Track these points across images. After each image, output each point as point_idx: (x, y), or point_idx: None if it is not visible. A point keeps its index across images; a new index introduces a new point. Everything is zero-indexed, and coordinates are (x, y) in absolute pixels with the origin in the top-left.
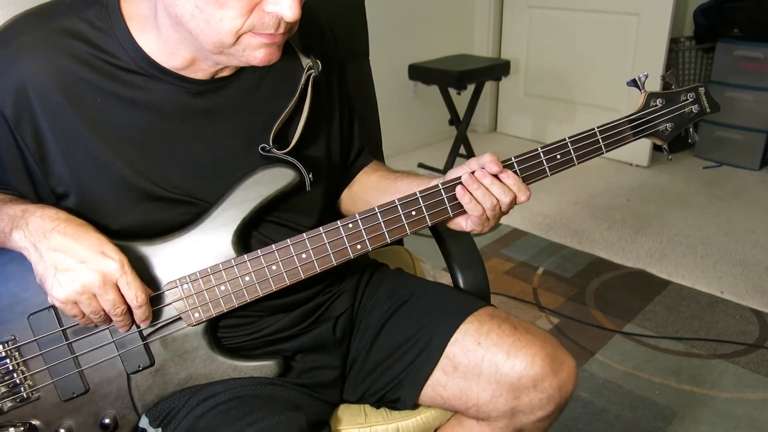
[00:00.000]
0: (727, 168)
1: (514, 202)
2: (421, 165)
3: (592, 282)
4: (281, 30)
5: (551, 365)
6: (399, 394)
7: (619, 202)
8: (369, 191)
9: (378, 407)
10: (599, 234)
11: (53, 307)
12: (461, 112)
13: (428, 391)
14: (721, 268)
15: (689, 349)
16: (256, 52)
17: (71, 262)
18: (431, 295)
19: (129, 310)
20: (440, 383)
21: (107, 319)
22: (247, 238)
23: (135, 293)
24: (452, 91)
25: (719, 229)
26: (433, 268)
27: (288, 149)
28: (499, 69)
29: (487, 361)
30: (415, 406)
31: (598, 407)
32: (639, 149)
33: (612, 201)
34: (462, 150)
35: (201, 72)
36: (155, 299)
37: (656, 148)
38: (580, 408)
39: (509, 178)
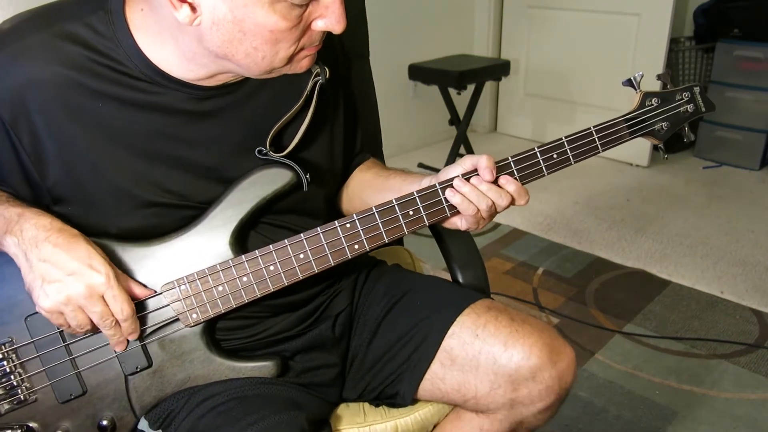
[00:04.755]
0: (727, 168)
1: (511, 205)
2: (421, 165)
3: (592, 282)
4: (323, 38)
5: (549, 356)
6: (398, 389)
7: (619, 202)
8: (365, 189)
9: (377, 405)
10: (599, 234)
11: None
12: (461, 112)
13: (427, 385)
14: (721, 268)
15: (689, 349)
16: (301, 63)
17: (59, 274)
18: (428, 289)
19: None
20: (438, 377)
21: (93, 330)
22: (245, 239)
23: (120, 306)
24: (452, 91)
25: (719, 229)
26: (433, 268)
27: (285, 152)
28: (499, 69)
29: (484, 353)
30: (414, 401)
31: (598, 407)
32: (639, 149)
33: (612, 201)
34: (462, 150)
35: (214, 81)
36: (152, 301)
37: (655, 147)
38: (580, 408)
39: (510, 184)
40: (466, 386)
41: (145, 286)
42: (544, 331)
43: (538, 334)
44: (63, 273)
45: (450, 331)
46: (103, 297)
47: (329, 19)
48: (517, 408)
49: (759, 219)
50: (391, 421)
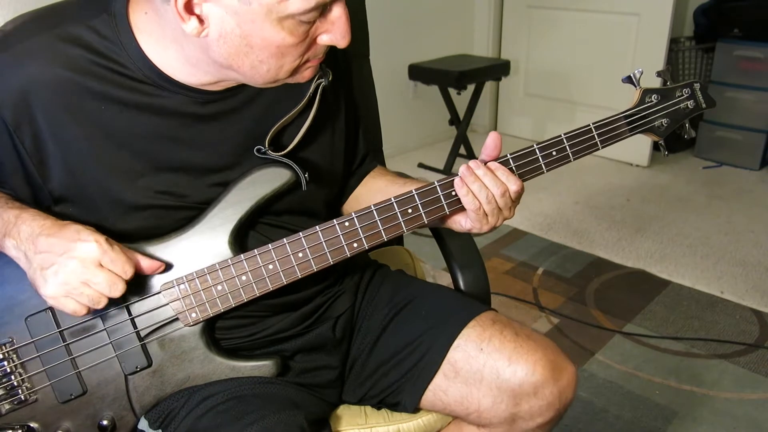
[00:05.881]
0: (727, 168)
1: (509, 196)
2: (421, 165)
3: (592, 282)
4: (326, 50)
5: (552, 372)
6: (399, 398)
7: (619, 202)
8: (376, 195)
9: (379, 408)
10: (599, 234)
11: (51, 308)
12: (461, 112)
13: (429, 396)
14: (721, 268)
15: (689, 349)
16: (304, 74)
17: (53, 258)
18: (433, 299)
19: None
20: (441, 388)
21: (109, 302)
22: (244, 238)
23: (122, 268)
24: (452, 91)
25: (719, 229)
26: (433, 268)
27: (285, 152)
28: (499, 69)
29: (488, 367)
30: (415, 410)
31: (598, 407)
32: (639, 149)
33: (612, 201)
34: (462, 150)
35: (217, 86)
36: (152, 300)
37: (656, 147)
38: (580, 408)
39: (498, 169)
40: (468, 399)
41: (143, 285)
42: (548, 347)
43: (542, 350)
44: (56, 255)
45: (455, 344)
46: (100, 264)
47: (335, 34)
48: (517, 423)
49: (759, 219)
50: (393, 425)
